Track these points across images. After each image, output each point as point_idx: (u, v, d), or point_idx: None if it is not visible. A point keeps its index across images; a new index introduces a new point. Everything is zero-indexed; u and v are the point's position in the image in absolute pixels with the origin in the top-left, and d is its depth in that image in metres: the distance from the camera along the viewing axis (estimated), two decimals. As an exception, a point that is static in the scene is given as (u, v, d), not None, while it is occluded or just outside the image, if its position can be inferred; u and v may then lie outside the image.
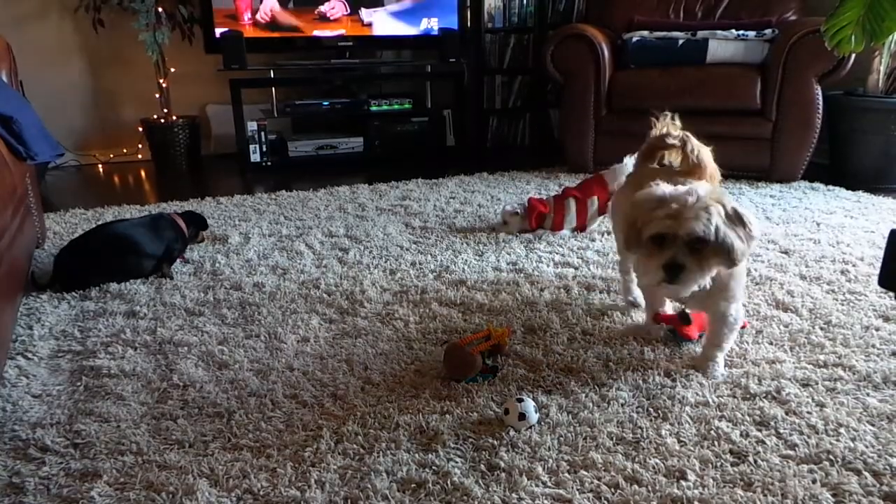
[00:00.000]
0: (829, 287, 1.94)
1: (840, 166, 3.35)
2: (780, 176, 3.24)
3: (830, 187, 3.12)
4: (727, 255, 1.24)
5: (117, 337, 1.72)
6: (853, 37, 2.23)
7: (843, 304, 1.82)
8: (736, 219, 1.26)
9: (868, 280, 1.98)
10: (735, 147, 3.27)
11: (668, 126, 1.67)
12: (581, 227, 2.53)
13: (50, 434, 1.30)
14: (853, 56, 2.92)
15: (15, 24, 3.82)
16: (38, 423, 1.34)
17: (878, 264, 2.07)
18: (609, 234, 2.49)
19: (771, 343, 1.62)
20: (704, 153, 1.61)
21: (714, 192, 1.27)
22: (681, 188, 1.28)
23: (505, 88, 4.58)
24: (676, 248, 1.24)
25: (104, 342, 1.70)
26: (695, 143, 1.60)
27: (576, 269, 2.16)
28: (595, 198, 2.48)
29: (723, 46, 3.28)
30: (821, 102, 3.09)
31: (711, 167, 1.62)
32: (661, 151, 1.67)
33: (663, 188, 1.29)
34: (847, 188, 3.09)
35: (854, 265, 2.11)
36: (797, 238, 2.40)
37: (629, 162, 2.42)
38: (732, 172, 3.35)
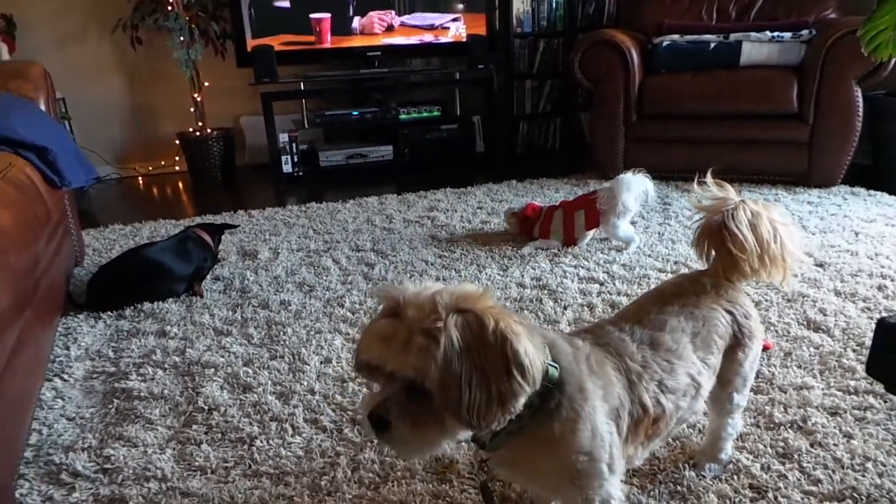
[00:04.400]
0: (865, 304, 1.88)
1: (883, 169, 3.23)
2: (818, 181, 3.13)
3: (872, 192, 3.01)
4: (455, 413, 0.74)
5: (148, 358, 1.78)
6: (892, 41, 2.15)
7: (878, 324, 1.76)
8: (493, 354, 0.75)
9: (906, 296, 1.91)
10: (771, 152, 3.19)
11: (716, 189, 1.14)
12: (571, 241, 2.47)
13: (81, 459, 1.35)
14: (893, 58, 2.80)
15: (58, 45, 3.97)
16: (70, 446, 1.40)
17: (918, 279, 2.00)
18: (617, 250, 2.45)
19: (800, 367, 1.57)
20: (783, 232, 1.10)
21: (471, 300, 0.78)
22: (428, 290, 0.79)
23: (535, 93, 4.55)
24: (391, 391, 0.78)
25: (136, 363, 1.75)
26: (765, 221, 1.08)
27: (601, 284, 2.13)
28: (582, 211, 2.43)
29: (757, 48, 3.19)
30: (861, 104, 2.98)
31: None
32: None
33: (406, 287, 0.80)
34: (890, 193, 2.97)
35: (892, 279, 2.03)
36: (833, 249, 2.33)
37: (630, 177, 2.35)
38: (769, 178, 3.26)
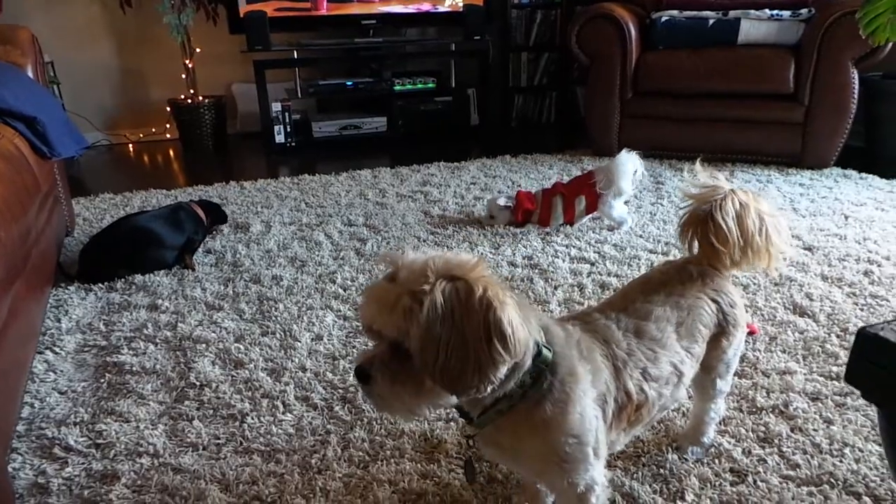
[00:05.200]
0: (851, 290, 1.90)
1: (875, 151, 3.24)
2: (811, 162, 3.14)
3: (864, 175, 3.02)
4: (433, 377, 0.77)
5: (140, 332, 1.78)
6: (889, 25, 2.14)
7: (862, 310, 1.78)
8: (475, 322, 0.75)
9: (892, 282, 1.93)
10: (765, 132, 3.19)
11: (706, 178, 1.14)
12: (569, 223, 2.49)
13: (73, 433, 1.36)
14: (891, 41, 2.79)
15: (45, 6, 3.88)
16: (63, 420, 1.41)
17: (904, 266, 2.02)
18: (609, 231, 2.46)
19: (784, 351, 1.60)
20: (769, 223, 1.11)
21: (463, 268, 0.79)
22: (420, 256, 0.81)
23: (531, 66, 4.51)
24: (378, 350, 0.81)
25: (127, 337, 1.76)
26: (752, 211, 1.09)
27: (592, 264, 2.15)
28: (583, 197, 2.42)
29: (755, 27, 3.16)
30: (857, 86, 2.97)
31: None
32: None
33: (407, 253, 0.82)
34: (881, 176, 2.98)
35: (879, 265, 2.06)
36: (823, 233, 2.35)
37: (625, 158, 2.34)
38: (762, 158, 3.26)
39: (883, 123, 3.19)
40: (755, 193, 1.13)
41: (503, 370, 0.79)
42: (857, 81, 2.97)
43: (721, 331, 1.09)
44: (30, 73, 2.14)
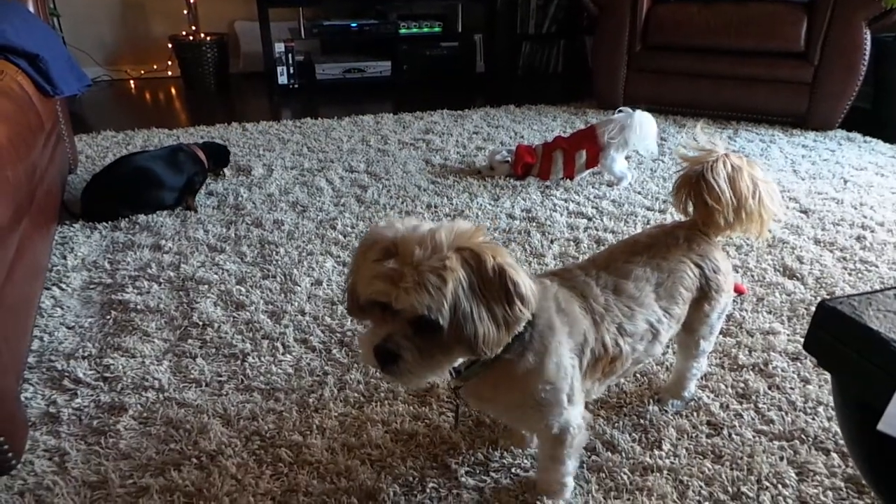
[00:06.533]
0: (842, 254, 1.93)
1: (882, 115, 3.22)
2: (816, 124, 3.12)
3: (867, 139, 3.01)
4: (468, 345, 0.81)
5: (144, 271, 1.82)
6: (905, -13, 2.10)
7: (851, 275, 1.82)
8: (494, 288, 0.81)
9: (883, 249, 1.97)
10: (772, 91, 3.15)
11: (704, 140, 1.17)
12: (569, 177, 2.50)
13: (82, 367, 1.42)
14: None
15: (43, -67, 3.77)
16: (71, 354, 1.47)
17: (897, 232, 2.05)
18: (608, 186, 2.47)
19: (770, 312, 1.64)
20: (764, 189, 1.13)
21: (466, 237, 0.82)
22: (421, 228, 0.82)
23: (539, 12, 4.41)
24: (396, 327, 0.81)
25: (132, 276, 1.80)
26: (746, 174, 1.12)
27: (589, 219, 2.17)
28: (583, 151, 2.42)
29: (771, -19, 3.09)
30: (868, 47, 2.93)
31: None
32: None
33: (397, 226, 0.83)
34: (885, 140, 2.97)
35: (872, 231, 2.08)
36: (820, 196, 2.36)
37: (644, 117, 2.33)
38: (767, 118, 3.24)
39: (891, 87, 3.15)
40: (749, 159, 1.15)
41: (524, 324, 0.86)
42: (868, 42, 2.92)
43: (703, 295, 1.13)
44: (31, 8, 2.11)
